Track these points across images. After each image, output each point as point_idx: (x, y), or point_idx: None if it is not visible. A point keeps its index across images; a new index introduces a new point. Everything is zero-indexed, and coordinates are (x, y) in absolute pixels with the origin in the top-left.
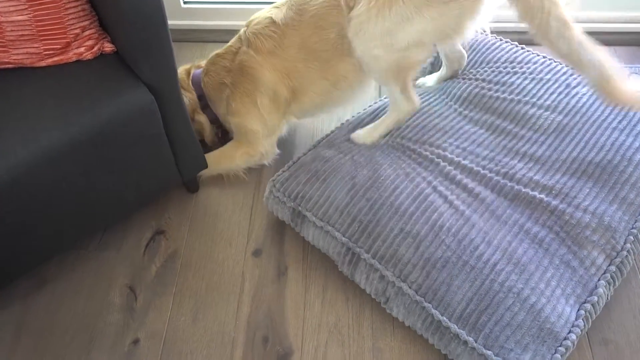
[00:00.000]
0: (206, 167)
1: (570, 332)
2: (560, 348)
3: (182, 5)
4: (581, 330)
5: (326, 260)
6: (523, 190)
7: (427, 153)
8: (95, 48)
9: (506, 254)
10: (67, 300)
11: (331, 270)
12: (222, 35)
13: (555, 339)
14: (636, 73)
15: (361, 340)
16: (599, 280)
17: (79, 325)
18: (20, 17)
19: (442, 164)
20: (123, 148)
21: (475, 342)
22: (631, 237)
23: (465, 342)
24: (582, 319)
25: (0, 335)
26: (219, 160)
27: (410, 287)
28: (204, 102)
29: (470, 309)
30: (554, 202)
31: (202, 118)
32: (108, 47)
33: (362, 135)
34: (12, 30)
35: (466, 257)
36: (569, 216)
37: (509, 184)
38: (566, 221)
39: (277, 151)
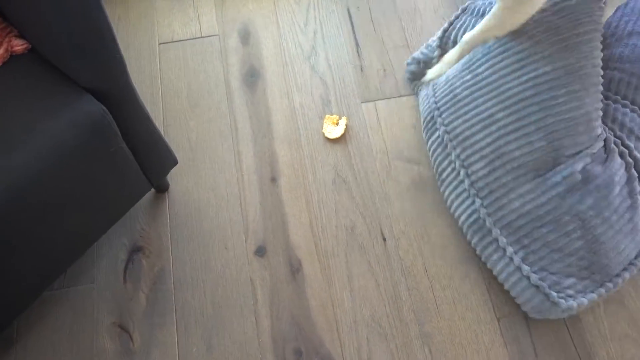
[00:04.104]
0: (176, 163)
1: (625, 269)
2: (608, 283)
3: None
4: (637, 269)
5: (343, 243)
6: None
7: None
8: (2, 50)
9: (592, 175)
10: (46, 358)
11: (351, 252)
12: None
13: (605, 274)
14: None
15: (405, 328)
16: None
17: None
18: None
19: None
20: (77, 180)
21: (515, 253)
22: None
23: (504, 250)
24: None
25: None
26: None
27: (468, 176)
28: None
29: (523, 221)
30: None
31: None
32: (19, 46)
33: None
34: None
35: (544, 168)
36: None
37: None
38: None
39: None
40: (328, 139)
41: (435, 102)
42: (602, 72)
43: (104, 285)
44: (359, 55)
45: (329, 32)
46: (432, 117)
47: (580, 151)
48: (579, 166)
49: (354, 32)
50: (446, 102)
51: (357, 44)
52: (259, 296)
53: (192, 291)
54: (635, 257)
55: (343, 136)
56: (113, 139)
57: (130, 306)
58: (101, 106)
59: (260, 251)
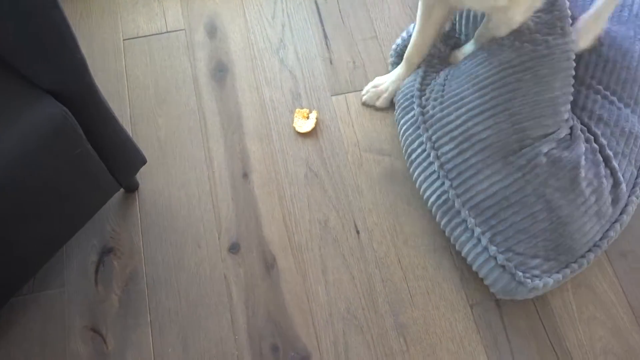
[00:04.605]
0: (145, 162)
1: (589, 250)
2: (573, 264)
3: None
4: (602, 251)
5: (316, 237)
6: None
7: None
8: None
9: (558, 158)
10: None
11: (325, 246)
12: None
13: (571, 255)
14: None
15: (380, 319)
16: (629, 196)
17: None
18: None
19: None
20: (41, 183)
21: (483, 234)
22: None
23: (472, 231)
24: (607, 240)
25: None
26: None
27: (438, 157)
28: None
29: (490, 202)
30: None
31: None
32: None
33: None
34: None
35: (510, 151)
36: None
37: None
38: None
39: None
40: (299, 133)
41: (420, 84)
42: (573, 58)
43: (74, 289)
44: (327, 47)
45: (297, 24)
46: (411, 97)
47: (546, 135)
48: (544, 149)
49: (322, 25)
50: (427, 85)
51: (325, 37)
52: (233, 293)
53: (166, 291)
54: (600, 239)
55: (314, 130)
56: (77, 141)
57: (103, 309)
58: (63, 108)
59: (234, 248)
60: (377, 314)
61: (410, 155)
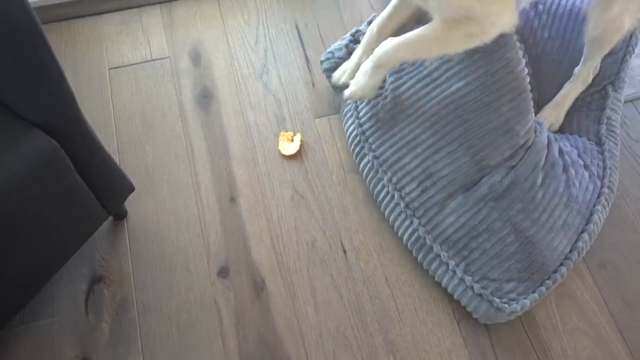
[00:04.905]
0: (133, 189)
1: (561, 264)
2: (547, 281)
3: None
4: (573, 263)
5: (304, 258)
6: None
7: None
8: None
9: (514, 181)
10: None
11: (313, 267)
12: (87, 7)
13: (544, 272)
14: None
15: (370, 338)
16: (594, 206)
17: None
18: None
19: None
20: (30, 215)
21: (457, 266)
22: (607, 154)
23: (447, 265)
24: (577, 252)
25: None
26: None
27: (402, 198)
28: None
29: (460, 234)
30: None
31: None
32: None
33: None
34: None
35: (472, 182)
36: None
37: None
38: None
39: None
40: (284, 156)
41: (360, 125)
42: (524, 75)
43: (65, 319)
44: (310, 71)
45: (279, 49)
46: (359, 142)
47: (505, 160)
48: (501, 175)
49: (303, 49)
50: (371, 126)
51: (307, 60)
52: (224, 317)
53: (156, 317)
54: (570, 251)
55: (299, 152)
56: (66, 173)
57: (94, 338)
58: (51, 141)
59: (223, 272)
60: (366, 332)
61: (377, 197)
